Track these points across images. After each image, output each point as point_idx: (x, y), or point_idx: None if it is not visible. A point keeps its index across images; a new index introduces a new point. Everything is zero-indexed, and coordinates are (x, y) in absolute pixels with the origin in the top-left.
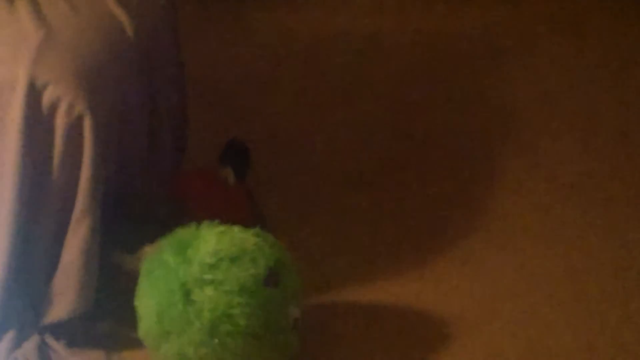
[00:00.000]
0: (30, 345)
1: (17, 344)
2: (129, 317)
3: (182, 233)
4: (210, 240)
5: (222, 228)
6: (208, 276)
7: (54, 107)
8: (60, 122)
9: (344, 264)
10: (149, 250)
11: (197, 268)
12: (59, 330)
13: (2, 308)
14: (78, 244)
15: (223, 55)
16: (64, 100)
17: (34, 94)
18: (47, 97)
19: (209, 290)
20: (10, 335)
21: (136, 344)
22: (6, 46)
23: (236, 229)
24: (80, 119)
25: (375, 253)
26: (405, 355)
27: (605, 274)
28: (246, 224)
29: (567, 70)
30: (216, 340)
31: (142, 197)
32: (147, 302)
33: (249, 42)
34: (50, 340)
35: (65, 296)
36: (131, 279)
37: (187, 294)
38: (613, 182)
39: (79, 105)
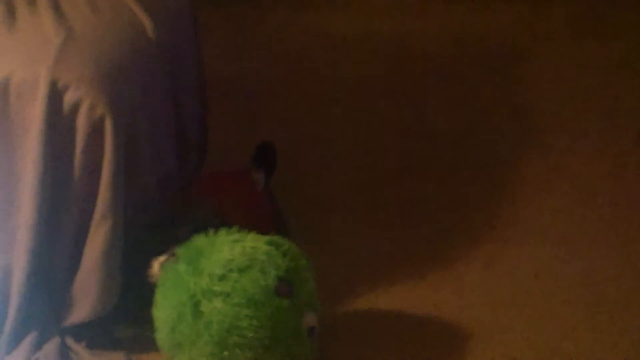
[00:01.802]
0: (51, 346)
1: (38, 345)
2: (150, 320)
3: (199, 241)
4: (223, 250)
5: (236, 236)
6: (217, 288)
7: (75, 109)
8: (81, 124)
9: (363, 268)
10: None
11: (206, 279)
12: (80, 332)
13: (23, 310)
14: (99, 246)
15: (242, 57)
16: (85, 102)
17: (55, 95)
18: (68, 99)
19: (217, 302)
20: (31, 337)
21: (157, 347)
22: (27, 48)
23: (249, 237)
24: (101, 120)
25: (394, 257)
26: None
27: (625, 277)
28: (269, 228)
29: (588, 70)
30: (226, 353)
31: (175, 200)
32: (161, 312)
33: (269, 44)
34: (70, 342)
35: (86, 298)
36: (153, 283)
37: (196, 306)
38: (634, 185)
39: (100, 106)
